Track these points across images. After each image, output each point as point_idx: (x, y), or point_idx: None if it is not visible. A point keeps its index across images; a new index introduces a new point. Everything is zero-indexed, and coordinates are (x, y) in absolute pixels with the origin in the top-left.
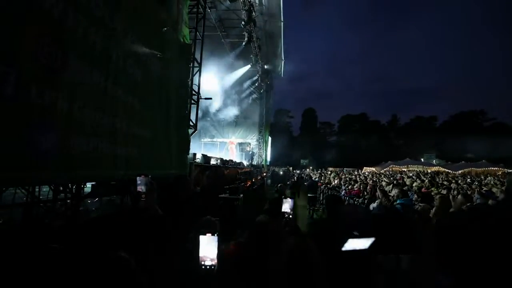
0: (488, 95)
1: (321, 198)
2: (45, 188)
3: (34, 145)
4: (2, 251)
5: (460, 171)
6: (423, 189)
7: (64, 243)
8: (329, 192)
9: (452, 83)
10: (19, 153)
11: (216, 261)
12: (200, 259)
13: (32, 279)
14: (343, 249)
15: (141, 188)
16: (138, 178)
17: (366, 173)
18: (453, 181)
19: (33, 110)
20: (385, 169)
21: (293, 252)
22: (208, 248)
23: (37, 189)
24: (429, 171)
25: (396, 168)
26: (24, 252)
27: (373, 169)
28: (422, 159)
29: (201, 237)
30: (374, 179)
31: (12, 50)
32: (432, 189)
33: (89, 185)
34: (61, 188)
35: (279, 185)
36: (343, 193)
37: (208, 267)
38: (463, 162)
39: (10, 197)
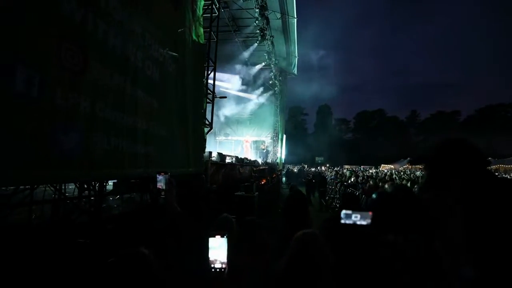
0: None
1: (338, 196)
2: (71, 186)
3: (59, 145)
4: (35, 243)
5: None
6: None
7: (89, 238)
8: (345, 190)
9: (477, 76)
10: (46, 153)
11: (226, 263)
12: (210, 262)
13: (60, 270)
14: (342, 221)
15: (160, 185)
16: (157, 175)
17: (385, 170)
18: None
19: (57, 111)
20: (404, 166)
21: (301, 243)
22: (218, 251)
23: (65, 186)
24: None
25: (416, 165)
26: (54, 245)
27: (391, 166)
28: None
29: (210, 239)
30: (393, 177)
31: (37, 54)
32: None
33: (111, 183)
34: (85, 186)
35: (291, 183)
36: (360, 191)
37: (218, 270)
38: (490, 158)
39: (41, 194)
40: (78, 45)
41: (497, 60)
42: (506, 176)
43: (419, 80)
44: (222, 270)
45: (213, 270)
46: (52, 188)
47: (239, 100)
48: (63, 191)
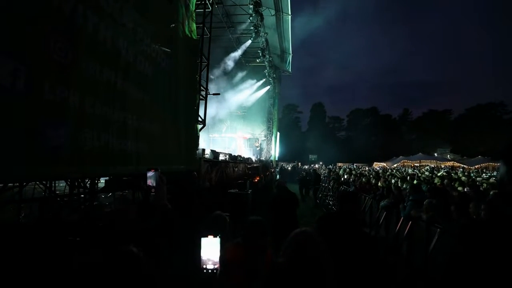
0: (508, 87)
1: (331, 193)
2: (62, 183)
3: (48, 141)
4: (23, 243)
5: (476, 166)
6: (438, 184)
7: (80, 237)
8: (338, 188)
9: (468, 75)
10: (34, 149)
11: (218, 264)
12: (202, 262)
13: (49, 270)
14: None
15: (151, 182)
16: (148, 172)
17: (377, 168)
18: (472, 176)
19: (45, 105)
20: (396, 164)
21: (300, 242)
22: (210, 251)
23: (55, 184)
24: (443, 166)
25: (408, 163)
26: (42, 244)
27: (384, 164)
28: (435, 154)
29: (203, 240)
30: (387, 175)
31: (23, 46)
32: (445, 182)
33: (102, 180)
34: (75, 183)
35: (278, 181)
36: (352, 188)
37: (210, 271)
38: (479, 156)
39: (31, 192)
40: (67, 37)
41: (487, 60)
42: (495, 173)
43: (411, 79)
44: (215, 271)
45: (205, 271)
46: (41, 186)
47: (233, 97)
48: (53, 189)
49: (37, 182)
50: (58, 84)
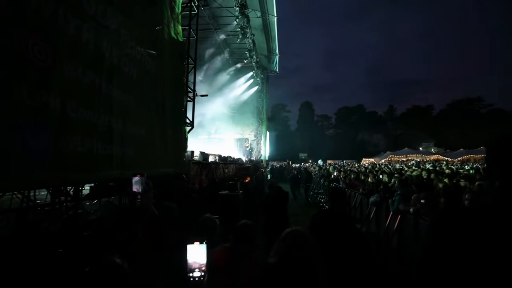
0: (484, 82)
1: (322, 191)
2: (43, 192)
3: (27, 147)
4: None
5: (459, 158)
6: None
7: (63, 247)
8: (329, 185)
9: (447, 72)
10: (11, 156)
11: (205, 270)
12: (188, 269)
13: (29, 283)
14: None
15: (136, 188)
16: (133, 178)
17: (366, 164)
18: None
19: (24, 110)
20: (384, 160)
21: (291, 241)
22: (197, 258)
23: (34, 193)
24: (427, 159)
25: (396, 158)
26: (21, 257)
27: (372, 160)
28: (420, 148)
29: (189, 246)
30: (375, 172)
31: (0, 50)
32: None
33: (87, 186)
34: (58, 191)
35: (270, 179)
36: (341, 184)
37: (196, 278)
38: (461, 149)
39: (8, 202)
40: (46, 40)
41: (465, 57)
42: (477, 165)
43: (395, 77)
44: (201, 278)
45: (191, 279)
46: (19, 196)
47: (222, 98)
48: (33, 198)
49: (15, 192)
50: (37, 88)
